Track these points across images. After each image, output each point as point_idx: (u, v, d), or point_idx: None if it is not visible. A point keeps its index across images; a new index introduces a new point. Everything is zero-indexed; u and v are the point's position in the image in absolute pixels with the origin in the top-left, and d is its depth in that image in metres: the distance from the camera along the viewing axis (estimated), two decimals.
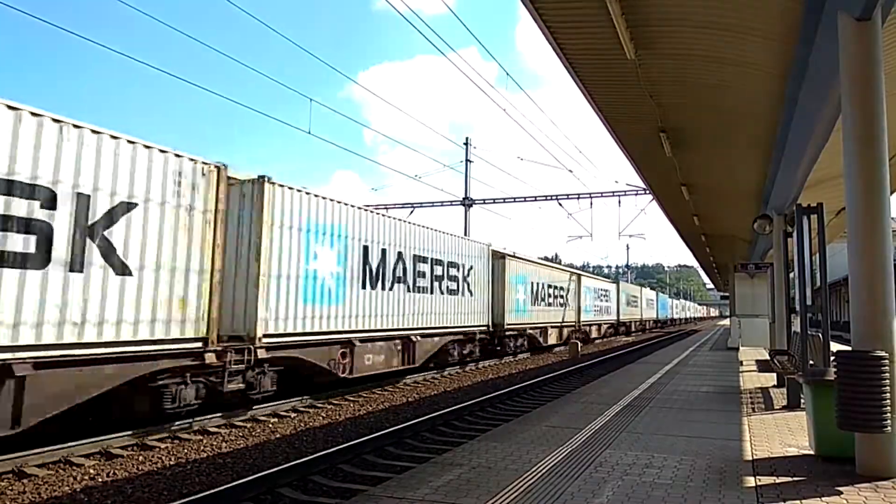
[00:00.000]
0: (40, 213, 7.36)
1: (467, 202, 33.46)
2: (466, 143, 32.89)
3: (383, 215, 14.82)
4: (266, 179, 10.90)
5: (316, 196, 12.20)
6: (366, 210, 13.97)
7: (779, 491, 4.61)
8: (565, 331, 28.98)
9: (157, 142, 8.86)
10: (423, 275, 16.14)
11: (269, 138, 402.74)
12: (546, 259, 34.11)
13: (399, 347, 14.98)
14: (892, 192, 6.47)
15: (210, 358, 9.50)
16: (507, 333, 22.28)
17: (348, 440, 8.69)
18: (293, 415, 11.13)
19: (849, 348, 5.04)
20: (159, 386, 8.91)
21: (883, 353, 4.67)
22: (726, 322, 47.29)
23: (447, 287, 17.41)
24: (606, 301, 38.14)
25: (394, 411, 11.79)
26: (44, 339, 7.26)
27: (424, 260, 16.19)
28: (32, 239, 7.26)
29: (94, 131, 8.00)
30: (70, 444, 7.95)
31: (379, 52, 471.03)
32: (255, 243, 10.67)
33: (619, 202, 31.82)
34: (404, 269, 15.20)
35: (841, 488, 4.61)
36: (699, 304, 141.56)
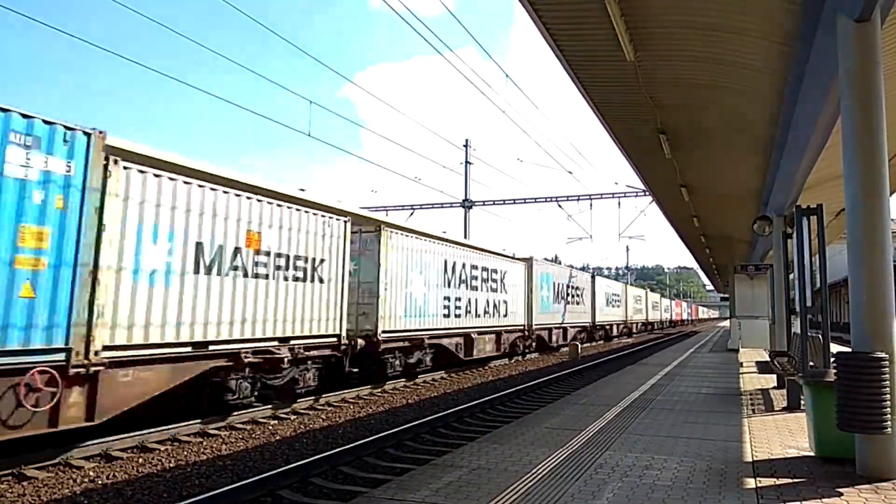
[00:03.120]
0: None
1: (467, 204, 33.48)
2: (466, 145, 32.93)
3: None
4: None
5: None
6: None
7: (779, 492, 4.60)
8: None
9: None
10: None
11: (267, 138, 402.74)
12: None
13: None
14: (892, 193, 6.47)
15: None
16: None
17: (348, 442, 8.68)
18: (293, 417, 11.12)
19: (849, 349, 5.03)
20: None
21: (883, 355, 4.67)
22: (725, 324, 46.17)
23: None
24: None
25: (394, 413, 11.78)
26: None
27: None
28: None
29: None
30: (70, 445, 7.95)
31: (376, 53, 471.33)
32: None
33: (619, 204, 31.99)
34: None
35: (841, 489, 4.61)
36: (673, 300, 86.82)
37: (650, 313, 56.52)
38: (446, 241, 18.90)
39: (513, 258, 23.98)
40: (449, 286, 17.60)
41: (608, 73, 8.07)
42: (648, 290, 61.82)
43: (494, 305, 21.00)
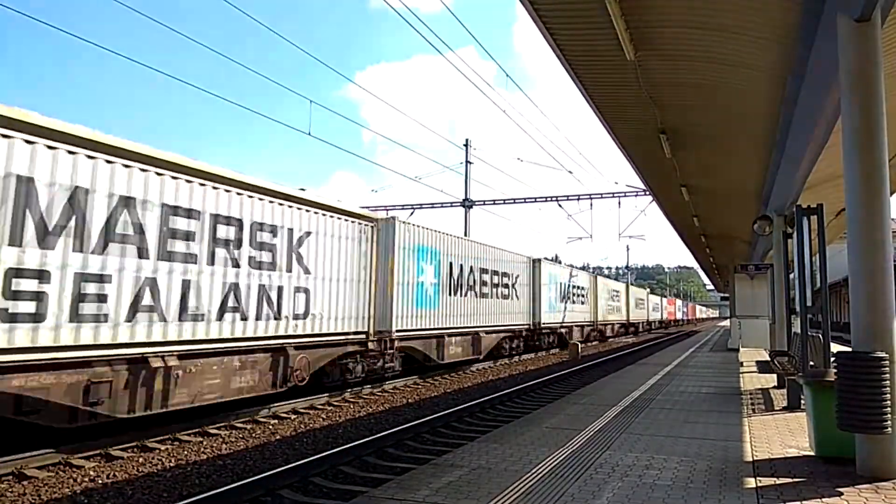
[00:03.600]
0: None
1: (467, 203, 33.46)
2: (466, 145, 32.88)
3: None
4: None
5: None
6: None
7: (779, 492, 4.60)
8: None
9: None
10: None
11: (267, 138, 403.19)
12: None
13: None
14: (892, 193, 6.47)
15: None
16: None
17: (349, 441, 8.69)
18: (293, 416, 11.12)
19: (849, 349, 5.03)
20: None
21: (883, 354, 4.67)
22: (726, 323, 45.04)
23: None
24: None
25: (394, 412, 11.79)
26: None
27: None
28: None
29: None
30: (70, 445, 7.95)
31: (376, 52, 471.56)
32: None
33: (619, 203, 31.85)
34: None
35: (841, 489, 4.61)
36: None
37: (632, 312, 45.21)
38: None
39: (337, 211, 12.94)
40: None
41: (608, 72, 8.07)
42: (630, 285, 50.03)
43: (277, 297, 10.94)
